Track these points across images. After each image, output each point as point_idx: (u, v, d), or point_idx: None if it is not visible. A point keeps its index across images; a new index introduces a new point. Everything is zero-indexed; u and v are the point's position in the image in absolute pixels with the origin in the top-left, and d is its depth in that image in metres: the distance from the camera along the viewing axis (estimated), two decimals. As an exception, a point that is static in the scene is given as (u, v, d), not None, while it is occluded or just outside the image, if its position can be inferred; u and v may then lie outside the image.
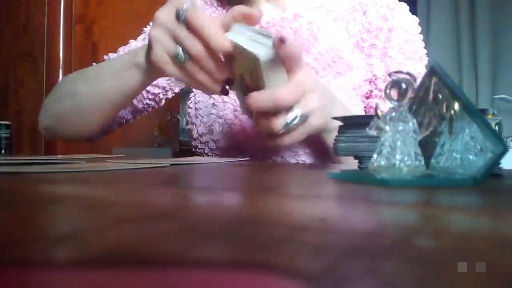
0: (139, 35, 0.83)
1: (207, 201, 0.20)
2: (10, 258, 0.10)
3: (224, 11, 0.77)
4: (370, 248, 0.11)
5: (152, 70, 0.54)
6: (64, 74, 1.59)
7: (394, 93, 0.26)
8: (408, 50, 0.70)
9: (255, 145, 0.68)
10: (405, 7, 0.73)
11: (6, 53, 1.72)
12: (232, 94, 0.67)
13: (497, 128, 1.97)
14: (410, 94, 0.26)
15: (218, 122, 0.71)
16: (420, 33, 0.72)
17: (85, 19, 1.67)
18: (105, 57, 0.80)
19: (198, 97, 0.74)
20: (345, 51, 0.70)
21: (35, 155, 0.80)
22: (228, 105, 0.70)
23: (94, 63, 0.73)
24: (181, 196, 0.21)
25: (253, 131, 0.67)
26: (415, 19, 0.72)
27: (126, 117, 0.79)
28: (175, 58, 0.48)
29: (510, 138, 1.93)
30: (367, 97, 0.72)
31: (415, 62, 0.71)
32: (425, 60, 0.72)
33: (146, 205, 0.18)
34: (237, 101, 0.66)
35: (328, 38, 0.70)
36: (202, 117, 0.72)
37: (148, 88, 0.76)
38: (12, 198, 0.19)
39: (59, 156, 0.64)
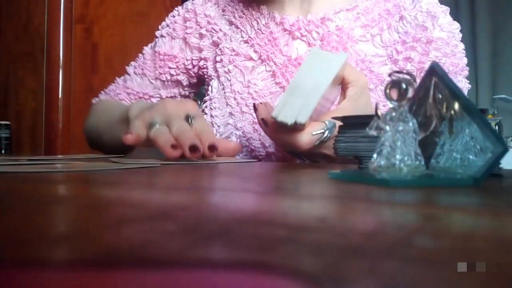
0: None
1: (207, 201, 0.20)
2: (10, 258, 0.10)
3: (237, 7, 0.72)
4: (370, 248, 0.11)
5: None
6: (64, 74, 1.59)
7: (394, 93, 0.26)
8: (447, 64, 0.63)
9: (273, 161, 0.65)
10: (446, 12, 0.65)
11: (6, 53, 1.72)
12: (251, 105, 0.66)
13: (497, 128, 1.97)
14: (410, 94, 0.26)
15: (236, 134, 0.66)
16: (461, 41, 0.65)
17: (85, 19, 1.67)
18: (128, 69, 0.81)
19: (214, 103, 0.70)
20: (377, 63, 0.64)
21: (35, 155, 0.80)
22: (247, 115, 0.66)
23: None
24: (181, 196, 0.21)
25: (272, 147, 0.64)
26: (456, 26, 0.65)
27: None
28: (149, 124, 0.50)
29: (510, 138, 1.93)
30: None
31: (456, 76, 0.63)
32: (466, 71, 0.65)
33: (146, 205, 0.18)
34: None
35: (359, 48, 0.64)
36: (219, 126, 0.68)
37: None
38: (12, 198, 0.19)
39: (59, 156, 0.64)
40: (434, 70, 0.29)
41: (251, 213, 0.16)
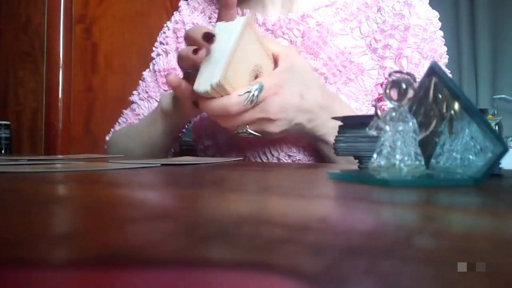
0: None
1: (206, 201, 0.20)
2: (10, 258, 0.10)
3: (214, 7, 0.74)
4: (370, 248, 0.11)
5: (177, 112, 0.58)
6: (64, 74, 1.59)
7: (394, 93, 0.26)
8: (426, 49, 0.64)
9: (262, 159, 0.66)
10: (424, 1, 0.66)
11: (6, 53, 1.72)
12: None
13: (497, 128, 1.97)
14: (410, 94, 0.26)
15: (224, 135, 0.67)
16: (440, 29, 0.66)
17: (85, 19, 1.67)
18: (132, 98, 0.80)
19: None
20: (356, 54, 0.65)
21: (35, 155, 0.80)
22: None
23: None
24: (181, 196, 0.21)
25: (259, 145, 0.65)
26: (434, 14, 0.66)
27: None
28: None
29: (510, 138, 1.93)
30: (379, 100, 0.66)
31: None
32: (445, 59, 0.67)
33: (146, 205, 0.18)
34: None
35: (339, 42, 0.65)
36: (207, 128, 0.70)
37: None
38: (12, 198, 0.19)
39: (59, 156, 0.64)
40: (434, 70, 0.29)
41: (251, 213, 0.16)
